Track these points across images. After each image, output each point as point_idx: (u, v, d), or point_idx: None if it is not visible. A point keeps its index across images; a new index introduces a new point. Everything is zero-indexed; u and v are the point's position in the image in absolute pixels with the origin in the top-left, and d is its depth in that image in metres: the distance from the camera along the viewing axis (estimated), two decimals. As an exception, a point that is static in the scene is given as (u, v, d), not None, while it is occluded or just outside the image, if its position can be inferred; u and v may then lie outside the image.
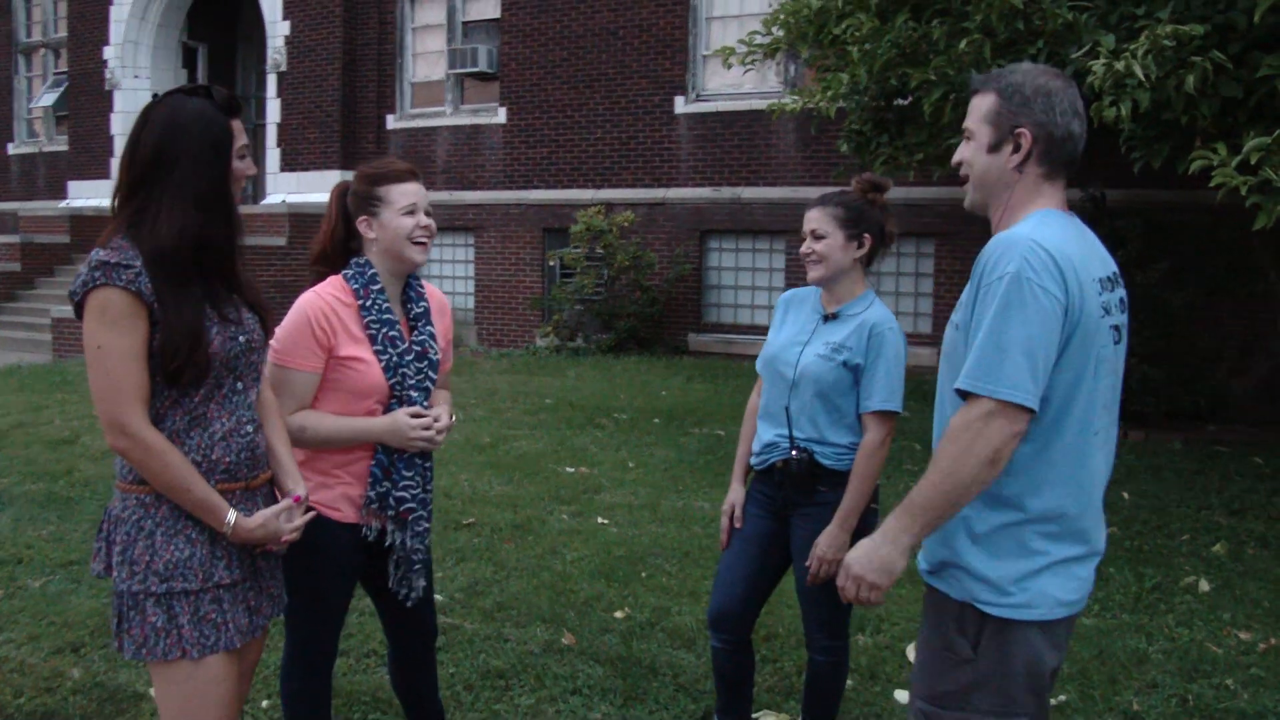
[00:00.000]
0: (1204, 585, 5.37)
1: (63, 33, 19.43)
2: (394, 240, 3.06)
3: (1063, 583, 2.32)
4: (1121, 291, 2.42)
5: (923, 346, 11.89)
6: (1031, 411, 2.19)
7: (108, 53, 17.92)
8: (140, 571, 2.52)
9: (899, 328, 3.38)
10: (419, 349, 3.13)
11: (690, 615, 4.92)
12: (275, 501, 2.81)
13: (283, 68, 16.25)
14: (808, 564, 3.35)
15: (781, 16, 7.75)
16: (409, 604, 3.21)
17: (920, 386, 10.75)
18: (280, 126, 16.35)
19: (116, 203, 2.56)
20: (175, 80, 18.03)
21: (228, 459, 2.59)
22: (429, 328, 3.19)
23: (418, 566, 3.18)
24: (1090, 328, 2.26)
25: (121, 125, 17.86)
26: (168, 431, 2.51)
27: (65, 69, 19.29)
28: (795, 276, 12.52)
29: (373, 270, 3.09)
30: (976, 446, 2.17)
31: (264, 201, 16.49)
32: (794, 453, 3.39)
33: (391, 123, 15.85)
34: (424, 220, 3.09)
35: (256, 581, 2.72)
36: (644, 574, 5.51)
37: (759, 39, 8.00)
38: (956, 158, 2.48)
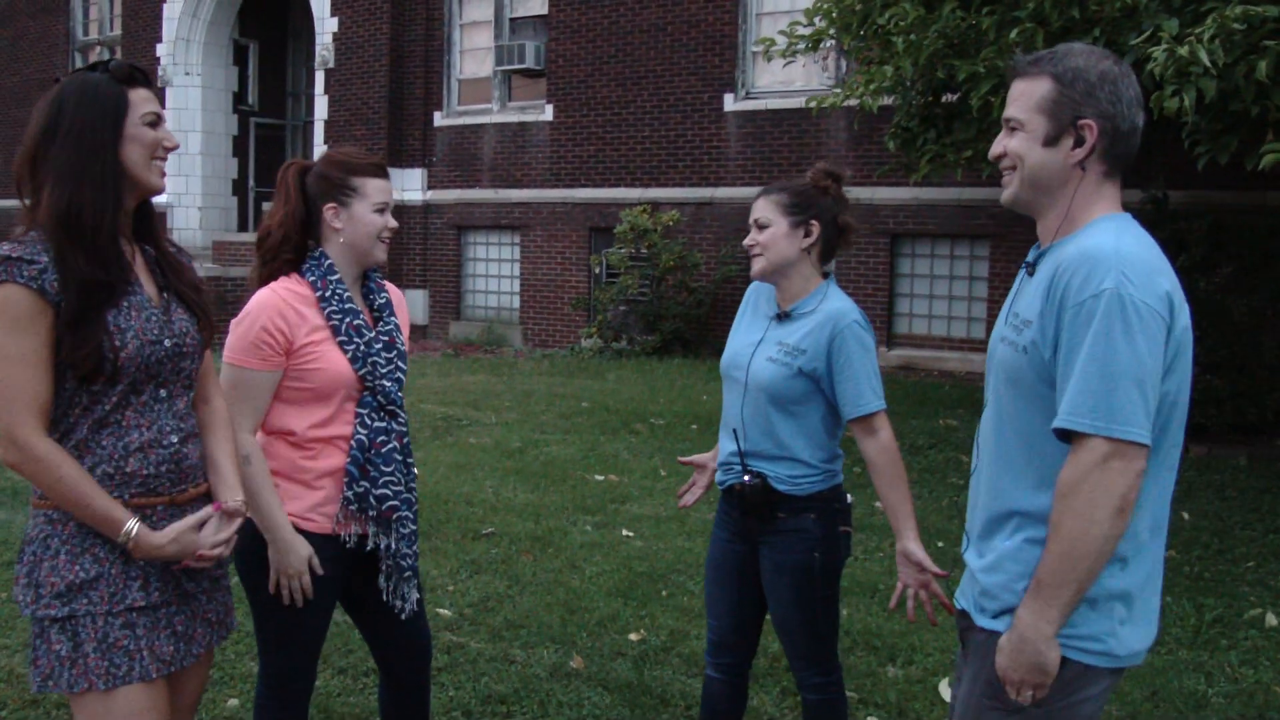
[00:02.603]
0: (1271, 619, 4.94)
1: (118, 30, 19.53)
2: (362, 236, 2.95)
3: (1146, 622, 2.12)
4: None
5: (976, 352, 11.53)
6: (1148, 447, 1.93)
7: (160, 50, 17.95)
8: (45, 595, 2.29)
9: (861, 317, 3.05)
10: (386, 339, 2.99)
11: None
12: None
13: (330, 64, 16.16)
14: (905, 582, 3.00)
15: (824, 6, 7.41)
16: (404, 616, 3.01)
17: (972, 394, 10.42)
18: (328, 123, 16.26)
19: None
20: (226, 78, 18.14)
21: (145, 471, 2.35)
22: (393, 319, 3.06)
23: (408, 574, 2.98)
24: (1185, 343, 2.02)
25: (172, 123, 17.87)
26: (75, 440, 2.30)
27: (120, 67, 19.40)
28: (844, 278, 12.14)
29: (329, 261, 2.95)
30: (1099, 499, 1.92)
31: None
32: (745, 478, 3.10)
33: (439, 120, 15.69)
34: (391, 222, 3.00)
35: (187, 605, 2.46)
36: (664, 592, 5.22)
37: (800, 30, 7.68)
38: (998, 148, 2.18)
